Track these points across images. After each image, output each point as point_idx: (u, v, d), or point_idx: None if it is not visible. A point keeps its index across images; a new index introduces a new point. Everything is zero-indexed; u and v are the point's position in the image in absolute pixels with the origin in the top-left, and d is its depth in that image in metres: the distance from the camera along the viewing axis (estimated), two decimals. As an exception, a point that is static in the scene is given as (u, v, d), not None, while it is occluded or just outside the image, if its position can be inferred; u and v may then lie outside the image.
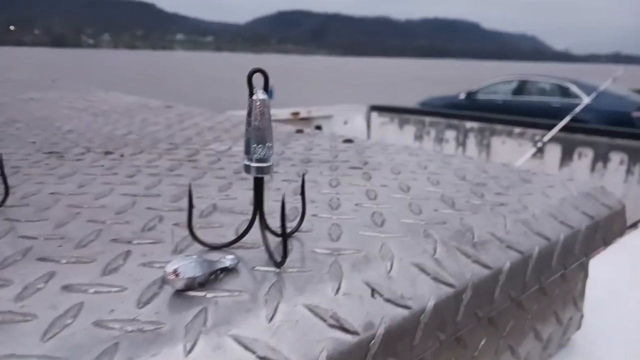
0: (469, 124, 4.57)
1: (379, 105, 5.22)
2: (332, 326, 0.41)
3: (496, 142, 4.39)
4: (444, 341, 0.50)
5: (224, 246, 0.51)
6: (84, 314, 0.39)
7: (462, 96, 9.71)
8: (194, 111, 1.46)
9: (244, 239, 0.51)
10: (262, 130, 0.45)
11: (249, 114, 0.45)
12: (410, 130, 4.99)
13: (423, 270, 0.51)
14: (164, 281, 0.42)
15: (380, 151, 0.99)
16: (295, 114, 4.53)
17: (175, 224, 0.57)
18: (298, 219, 0.58)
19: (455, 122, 4.67)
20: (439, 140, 4.77)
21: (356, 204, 0.66)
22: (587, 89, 7.95)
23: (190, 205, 0.50)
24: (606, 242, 0.77)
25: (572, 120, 4.10)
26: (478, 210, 0.66)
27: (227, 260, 0.46)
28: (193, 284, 0.42)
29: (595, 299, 0.92)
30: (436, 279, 0.51)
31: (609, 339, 0.87)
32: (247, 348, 0.37)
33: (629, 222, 0.87)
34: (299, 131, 1.19)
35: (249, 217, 0.52)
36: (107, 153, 0.91)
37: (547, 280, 0.65)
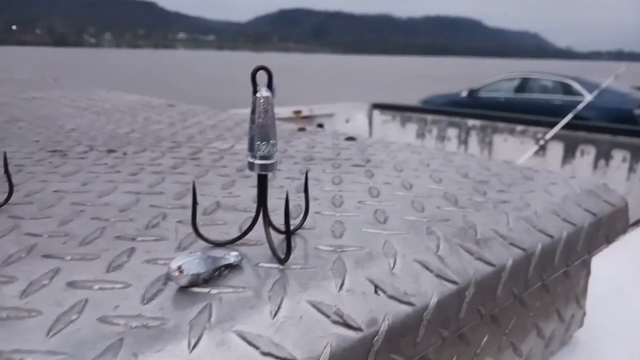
0: (471, 122, 4.56)
1: (381, 104, 5.22)
2: (335, 322, 0.42)
3: (498, 139, 4.39)
4: (447, 338, 0.50)
5: (228, 243, 0.51)
6: (88, 310, 0.39)
7: (464, 94, 9.71)
8: (196, 109, 1.46)
9: (247, 236, 0.52)
10: (266, 128, 0.46)
11: (253, 112, 0.45)
12: (412, 128, 4.99)
13: (426, 267, 0.51)
14: (168, 277, 0.42)
15: (382, 149, 0.99)
16: (297, 112, 4.53)
17: (179, 222, 0.57)
18: (301, 216, 0.58)
19: (457, 120, 4.67)
20: (441, 138, 4.77)
21: (359, 202, 0.66)
22: (590, 87, 7.95)
23: (195, 202, 0.50)
24: (609, 240, 0.77)
25: (575, 117, 4.10)
26: (481, 208, 0.66)
27: (231, 256, 0.46)
28: (197, 281, 0.42)
29: (598, 297, 0.92)
30: (439, 276, 0.51)
31: (611, 337, 0.87)
32: (251, 344, 0.37)
33: (631, 220, 0.87)
34: (301, 129, 1.19)
35: (252, 214, 0.52)
36: (110, 151, 0.91)
37: (550, 278, 0.65)
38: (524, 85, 9.31)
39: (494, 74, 10.50)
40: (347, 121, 4.90)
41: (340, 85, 25.67)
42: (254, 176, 0.76)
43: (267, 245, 0.50)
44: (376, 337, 0.43)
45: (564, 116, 4.04)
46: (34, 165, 0.81)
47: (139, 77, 27.12)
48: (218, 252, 0.47)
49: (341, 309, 0.43)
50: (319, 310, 0.42)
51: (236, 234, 0.52)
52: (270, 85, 0.45)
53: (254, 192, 0.69)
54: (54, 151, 0.90)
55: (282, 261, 0.47)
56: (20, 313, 0.39)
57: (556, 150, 4.01)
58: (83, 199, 0.64)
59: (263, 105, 0.45)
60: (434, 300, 0.48)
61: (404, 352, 0.45)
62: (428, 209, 0.64)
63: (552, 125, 3.97)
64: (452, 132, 4.70)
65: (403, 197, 0.69)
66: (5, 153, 0.63)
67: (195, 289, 0.42)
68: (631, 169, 3.68)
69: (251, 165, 0.47)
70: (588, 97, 5.68)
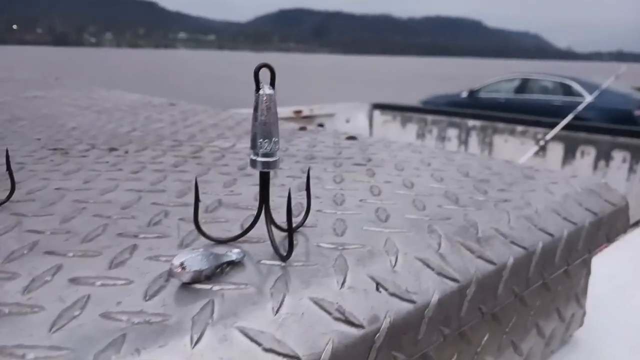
0: (471, 122, 4.56)
1: (381, 104, 5.22)
2: (337, 319, 0.42)
3: (498, 140, 4.39)
4: (448, 336, 0.50)
5: (230, 240, 0.51)
6: (91, 306, 0.39)
7: (465, 94, 9.71)
8: (197, 109, 1.46)
9: (249, 234, 0.52)
10: (269, 125, 0.46)
11: (256, 109, 0.45)
12: (412, 128, 4.99)
13: (427, 265, 0.51)
14: (170, 274, 0.42)
15: (383, 148, 0.99)
16: (298, 112, 4.53)
17: (181, 219, 0.57)
18: (303, 214, 0.58)
19: (457, 120, 4.67)
20: (442, 138, 4.77)
21: (360, 200, 0.66)
22: (590, 87, 7.95)
23: (197, 199, 0.50)
24: (609, 239, 0.77)
25: (575, 118, 4.09)
26: (482, 206, 0.66)
27: (233, 253, 0.46)
28: (199, 277, 0.42)
29: (598, 296, 0.92)
30: (440, 274, 0.51)
31: (611, 336, 0.87)
32: (253, 340, 0.38)
33: (631, 221, 0.87)
34: (302, 128, 1.19)
35: (254, 212, 0.52)
36: (112, 150, 0.91)
37: (550, 277, 0.65)
38: (524, 86, 9.32)
39: (494, 75, 10.50)
40: (347, 121, 4.90)
41: (341, 85, 25.68)
42: (255, 174, 0.76)
43: (269, 242, 0.50)
44: (378, 334, 0.43)
45: (564, 117, 4.03)
46: (35, 163, 0.81)
47: (139, 77, 27.13)
48: (220, 249, 0.47)
49: (343, 306, 0.43)
50: (321, 307, 0.42)
51: (238, 232, 0.52)
52: (273, 83, 0.46)
53: (255, 190, 0.69)
54: (55, 149, 0.90)
55: (284, 258, 0.47)
56: (23, 309, 0.39)
57: (556, 150, 4.01)
58: (85, 197, 0.65)
59: (266, 102, 0.45)
60: (435, 298, 0.48)
61: (405, 350, 0.46)
62: (429, 208, 0.64)
63: (552, 125, 3.97)
64: (452, 133, 4.70)
65: (404, 195, 0.69)
66: (7, 150, 0.63)
67: (198, 286, 0.42)
68: (631, 170, 3.68)
69: (253, 163, 0.47)
70: (588, 98, 5.68)
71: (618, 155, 3.73)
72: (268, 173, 0.49)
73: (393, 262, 0.50)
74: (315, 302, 0.42)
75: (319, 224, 0.57)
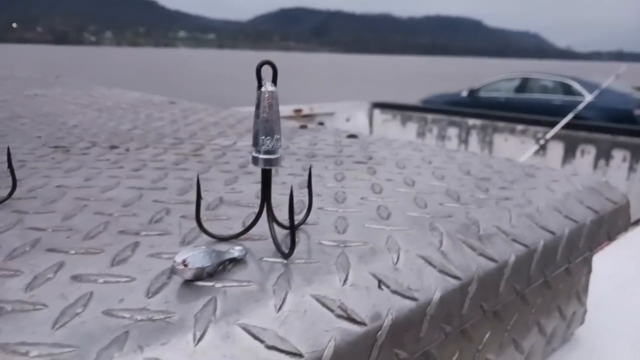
0: (471, 121, 4.56)
1: (382, 103, 5.22)
2: (339, 316, 0.42)
3: (499, 139, 4.39)
4: (450, 333, 0.50)
5: (232, 237, 0.51)
6: (93, 303, 0.39)
7: (465, 94, 9.71)
8: (197, 107, 1.46)
9: (251, 231, 0.52)
10: (271, 123, 0.46)
11: (258, 106, 0.45)
12: (412, 127, 4.99)
13: (429, 262, 0.51)
14: (173, 271, 0.42)
15: (384, 146, 0.99)
16: (298, 111, 4.53)
17: (183, 216, 0.57)
18: (304, 211, 0.58)
19: (457, 119, 4.67)
20: (442, 137, 4.77)
21: (362, 198, 0.66)
22: (590, 87, 7.95)
23: (199, 197, 0.50)
24: (610, 237, 0.77)
25: (575, 117, 4.09)
26: (483, 204, 0.66)
27: (236, 251, 0.46)
28: (202, 274, 0.42)
29: (599, 294, 0.92)
30: (442, 272, 0.51)
31: (612, 334, 0.87)
32: (255, 337, 0.38)
33: (632, 219, 0.87)
34: (303, 127, 1.19)
35: (255, 209, 0.52)
36: (113, 147, 0.91)
37: (552, 274, 0.65)
38: (524, 85, 9.32)
39: (494, 74, 10.50)
40: (347, 120, 4.90)
41: (341, 84, 25.68)
42: (256, 172, 0.76)
43: (270, 240, 0.50)
44: (380, 332, 0.43)
45: (564, 116, 4.03)
46: (36, 161, 0.81)
47: (139, 75, 27.12)
48: (222, 247, 0.47)
49: (345, 304, 0.43)
50: (323, 305, 0.42)
51: (239, 229, 0.52)
52: (275, 81, 0.46)
53: (256, 188, 0.69)
54: (56, 147, 0.90)
55: (286, 256, 0.47)
56: (26, 306, 0.39)
57: (556, 149, 4.01)
58: (86, 194, 0.65)
59: (268, 99, 0.45)
60: (437, 296, 0.48)
61: (407, 347, 0.46)
62: (431, 206, 0.64)
63: (552, 125, 3.97)
64: (452, 132, 4.70)
65: (405, 193, 0.69)
66: (8, 148, 0.63)
67: (200, 283, 0.42)
68: (631, 169, 3.68)
69: (255, 160, 0.47)
70: (588, 97, 5.68)
71: (618, 154, 3.73)
72: (270, 170, 0.49)
73: (395, 260, 0.50)
74: (318, 300, 0.42)
75: (321, 222, 0.57)
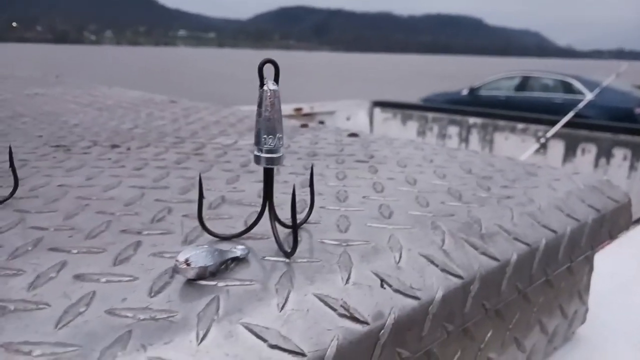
0: (471, 120, 4.56)
1: (382, 101, 5.21)
2: (342, 315, 0.42)
3: (499, 138, 4.39)
4: (452, 332, 0.50)
5: (234, 236, 0.51)
6: (96, 302, 0.39)
7: (465, 92, 9.70)
8: (198, 106, 1.46)
9: (253, 230, 0.52)
10: (273, 121, 0.46)
11: (260, 105, 0.45)
12: (413, 126, 4.99)
13: (431, 261, 0.51)
14: (175, 270, 0.42)
15: (385, 145, 0.99)
16: (298, 109, 4.52)
17: (185, 215, 0.57)
18: (306, 210, 0.58)
19: (458, 118, 4.67)
20: (442, 136, 4.77)
21: (363, 197, 0.66)
22: (590, 85, 7.94)
23: (201, 196, 0.50)
24: (612, 236, 0.77)
25: (575, 116, 4.09)
26: (485, 203, 0.66)
27: (238, 250, 0.46)
28: (204, 273, 0.42)
29: (600, 293, 0.92)
30: (444, 270, 0.51)
31: (613, 333, 0.87)
32: (258, 336, 0.38)
33: (633, 217, 0.87)
34: (304, 125, 1.19)
35: (257, 208, 0.52)
36: (114, 146, 0.91)
37: (554, 273, 0.65)
38: (524, 83, 9.31)
39: (494, 73, 10.49)
40: (348, 119, 4.90)
41: (341, 83, 25.66)
42: (258, 171, 0.76)
43: (272, 239, 0.50)
44: (382, 331, 0.43)
45: (564, 115, 4.03)
46: (38, 160, 0.81)
47: (140, 74, 27.11)
48: (224, 246, 0.47)
49: (348, 302, 0.43)
50: (326, 304, 0.42)
51: (241, 228, 0.52)
52: (277, 79, 0.45)
53: (258, 187, 0.69)
54: (57, 146, 0.90)
55: (288, 255, 0.47)
56: (29, 305, 0.39)
57: (557, 148, 4.01)
58: (88, 193, 0.65)
59: (270, 98, 0.45)
60: (439, 295, 0.48)
61: (410, 346, 0.46)
62: (432, 204, 0.64)
63: (553, 123, 3.97)
64: (453, 130, 4.69)
65: (407, 192, 0.69)
66: (10, 147, 0.63)
67: (203, 282, 0.42)
68: (632, 167, 3.68)
69: (257, 159, 0.47)
70: (589, 96, 5.68)
71: (619, 153, 3.73)
72: (272, 169, 0.49)
73: (397, 259, 0.50)
74: (320, 299, 0.42)
75: (323, 221, 0.57)
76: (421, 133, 4.93)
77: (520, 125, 4.26)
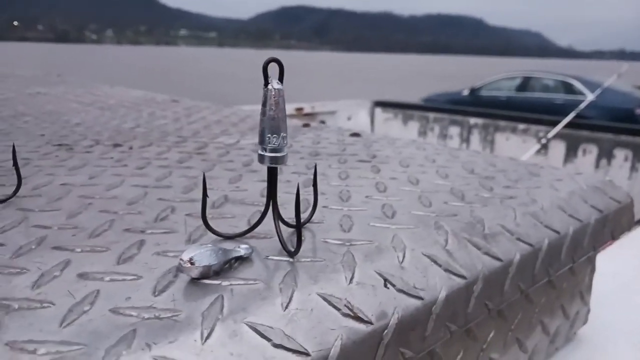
0: (472, 120, 4.56)
1: (383, 101, 5.21)
2: (346, 315, 0.42)
3: (500, 138, 4.39)
4: (455, 332, 0.50)
5: (238, 236, 0.51)
6: (100, 301, 0.39)
7: (466, 92, 9.70)
8: (200, 105, 1.46)
9: (256, 229, 0.52)
10: (277, 120, 0.46)
11: (264, 104, 0.45)
12: (414, 126, 4.99)
13: (435, 261, 0.51)
14: (179, 269, 0.42)
15: (387, 145, 0.99)
16: (299, 109, 4.52)
17: (188, 214, 0.57)
18: (310, 210, 0.58)
19: (459, 118, 4.67)
20: (443, 136, 4.76)
21: (366, 196, 0.66)
22: (591, 86, 7.94)
23: (205, 195, 0.50)
24: (614, 236, 0.77)
25: (576, 116, 4.09)
26: (488, 203, 0.66)
27: (242, 249, 0.46)
28: (208, 272, 0.42)
29: (602, 294, 0.92)
30: (448, 270, 0.51)
31: (615, 333, 0.87)
32: (262, 335, 0.38)
33: (635, 218, 0.87)
34: (306, 125, 1.19)
35: (260, 208, 0.52)
36: (116, 145, 0.91)
37: (556, 273, 0.65)
38: (525, 84, 9.30)
39: (495, 73, 10.49)
40: (349, 118, 4.90)
41: (342, 83, 25.66)
42: (260, 171, 0.76)
43: (276, 238, 0.50)
44: (386, 331, 0.43)
45: (565, 115, 4.03)
46: (40, 159, 0.81)
47: (141, 74, 27.12)
48: (228, 245, 0.47)
49: (351, 302, 0.43)
50: (330, 303, 0.42)
51: (245, 227, 0.52)
52: (281, 78, 0.45)
53: (261, 186, 0.69)
54: (60, 145, 0.90)
55: (292, 254, 0.47)
56: (33, 304, 0.39)
57: (558, 149, 4.01)
58: (91, 192, 0.65)
59: (274, 97, 0.45)
60: (442, 295, 0.48)
61: (413, 346, 0.46)
62: (435, 204, 0.64)
63: (554, 124, 3.97)
64: (454, 130, 4.69)
65: (410, 192, 0.69)
66: (13, 145, 0.63)
67: (207, 281, 0.42)
68: (633, 168, 3.68)
69: (261, 158, 0.47)
70: (590, 97, 5.67)
71: (620, 154, 3.73)
72: (276, 168, 0.49)
73: (400, 258, 0.50)
74: (324, 298, 0.42)
75: (326, 220, 0.57)
76: (422, 133, 4.93)
77: (521, 126, 4.26)
